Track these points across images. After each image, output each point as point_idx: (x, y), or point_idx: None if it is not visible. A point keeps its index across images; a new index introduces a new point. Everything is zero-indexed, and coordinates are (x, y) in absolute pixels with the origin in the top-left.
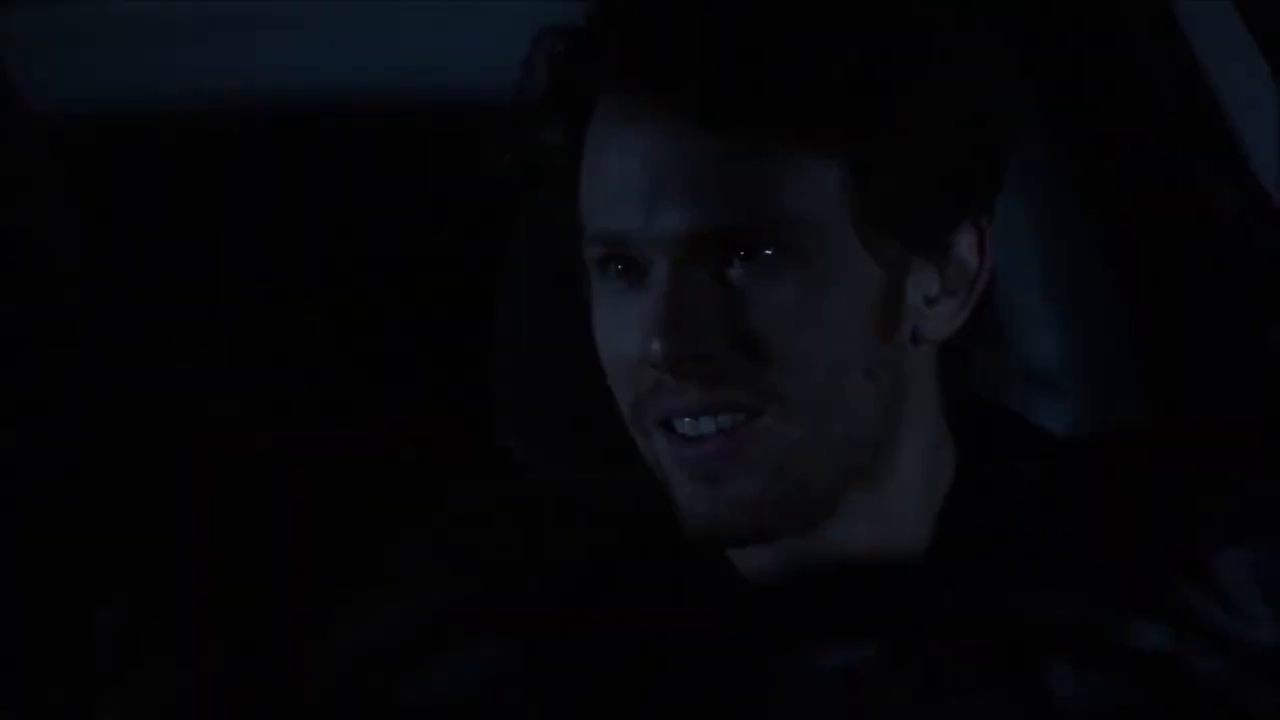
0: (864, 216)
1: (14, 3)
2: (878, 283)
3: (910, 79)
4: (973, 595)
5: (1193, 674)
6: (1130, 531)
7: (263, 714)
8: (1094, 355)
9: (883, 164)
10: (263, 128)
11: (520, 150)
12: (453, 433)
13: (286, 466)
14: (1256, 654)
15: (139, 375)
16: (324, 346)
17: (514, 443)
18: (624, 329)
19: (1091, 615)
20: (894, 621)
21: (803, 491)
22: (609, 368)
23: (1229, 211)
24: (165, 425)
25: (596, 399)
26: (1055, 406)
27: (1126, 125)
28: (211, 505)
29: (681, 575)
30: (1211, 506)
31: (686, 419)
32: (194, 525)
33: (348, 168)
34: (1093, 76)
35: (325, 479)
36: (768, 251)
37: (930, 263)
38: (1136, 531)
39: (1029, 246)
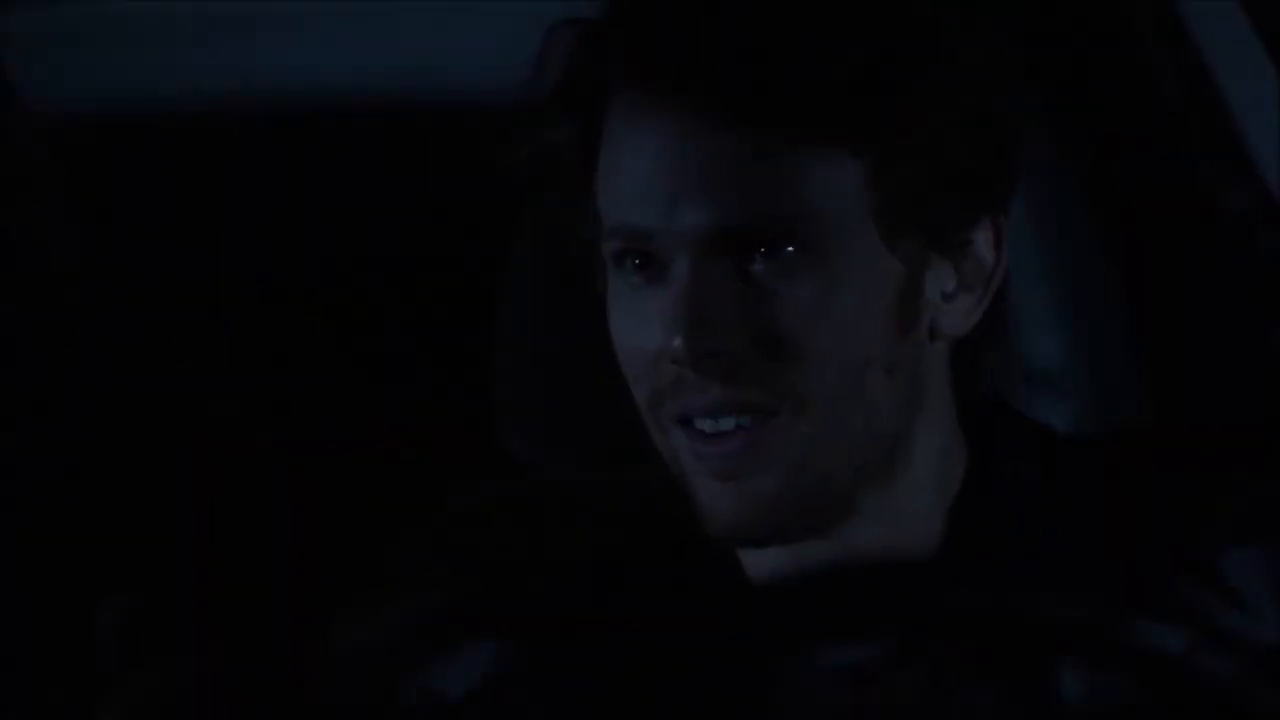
0: (883, 213)
1: (14, 3)
2: (897, 279)
3: (924, 76)
4: (982, 594)
5: (1202, 674)
6: (1138, 531)
7: (263, 714)
8: (1097, 355)
9: (901, 160)
10: (263, 128)
11: (535, 145)
12: (453, 433)
13: (286, 466)
14: (1266, 653)
15: (139, 375)
16: (324, 346)
17: (517, 443)
18: (643, 324)
19: (1100, 615)
20: (903, 620)
21: (823, 487)
22: (625, 362)
23: (1232, 212)
24: (165, 425)
25: (600, 399)
26: (1058, 406)
27: (1130, 125)
28: (211, 505)
29: (687, 575)
30: (1217, 506)
31: (706, 418)
32: (194, 525)
33: (348, 168)
34: (1097, 76)
35: (325, 479)
36: (789, 248)
37: (947, 259)
38: (1145, 531)
39: (1032, 246)
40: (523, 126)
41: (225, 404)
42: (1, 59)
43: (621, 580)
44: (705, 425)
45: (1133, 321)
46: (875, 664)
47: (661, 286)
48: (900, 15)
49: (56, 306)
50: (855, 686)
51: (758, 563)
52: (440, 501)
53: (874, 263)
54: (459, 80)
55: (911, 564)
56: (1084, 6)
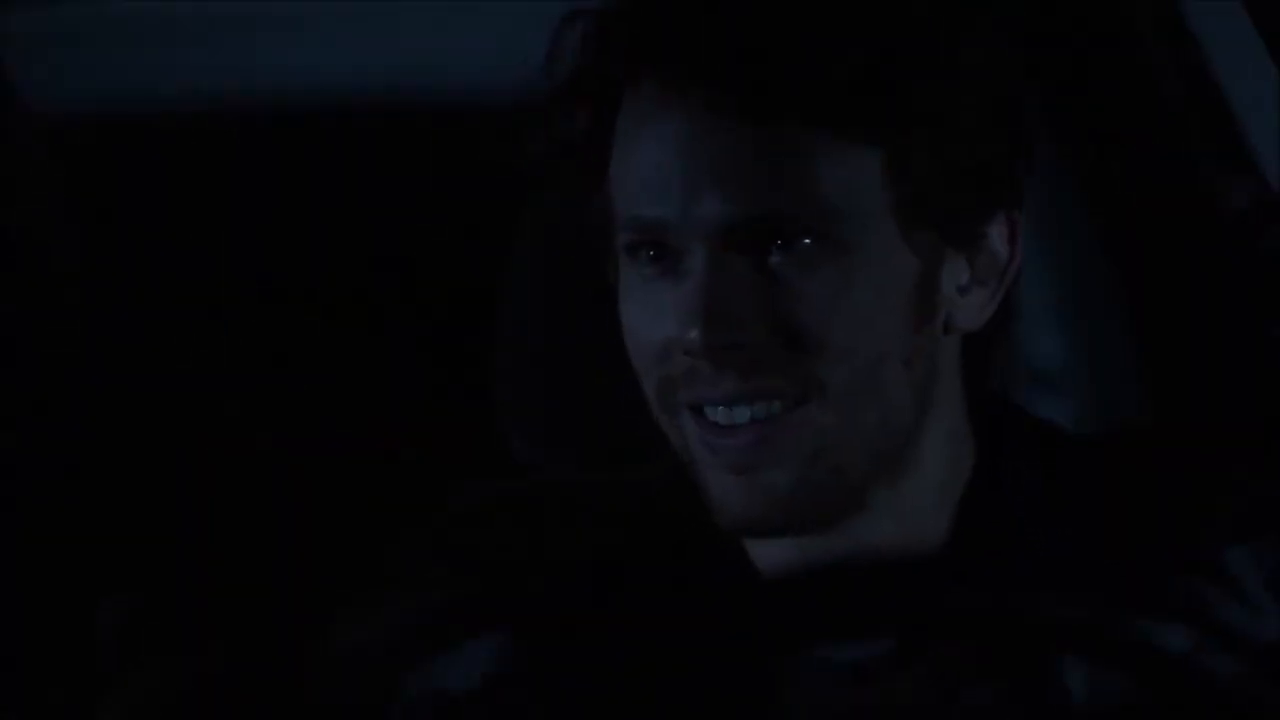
0: (901, 206)
1: (14, 3)
2: (914, 272)
3: (939, 71)
4: (986, 593)
5: (1205, 673)
6: (1141, 531)
7: (263, 714)
8: (1097, 355)
9: (919, 153)
10: (263, 128)
11: (548, 137)
12: (453, 433)
13: (286, 466)
14: (1268, 652)
15: (139, 375)
16: (324, 346)
17: (517, 442)
18: (657, 316)
19: (1103, 614)
20: (908, 618)
21: (837, 480)
22: (636, 354)
23: (1233, 211)
24: (165, 425)
25: (600, 399)
26: (1058, 406)
27: (1131, 124)
28: (211, 505)
29: (688, 573)
30: (1217, 506)
31: (720, 408)
32: (194, 525)
33: (348, 168)
34: (1098, 75)
35: (325, 479)
36: (806, 241)
37: (962, 253)
38: (1147, 531)
39: (1033, 246)
40: (535, 119)
41: (225, 404)
42: (1, 59)
43: (622, 579)
44: (718, 416)
45: (1133, 321)
46: (878, 662)
47: (676, 279)
48: (914, 11)
49: (56, 306)
50: (858, 685)
51: (765, 556)
52: (440, 501)
53: (891, 256)
54: (459, 80)
55: (917, 561)
56: (1084, 6)
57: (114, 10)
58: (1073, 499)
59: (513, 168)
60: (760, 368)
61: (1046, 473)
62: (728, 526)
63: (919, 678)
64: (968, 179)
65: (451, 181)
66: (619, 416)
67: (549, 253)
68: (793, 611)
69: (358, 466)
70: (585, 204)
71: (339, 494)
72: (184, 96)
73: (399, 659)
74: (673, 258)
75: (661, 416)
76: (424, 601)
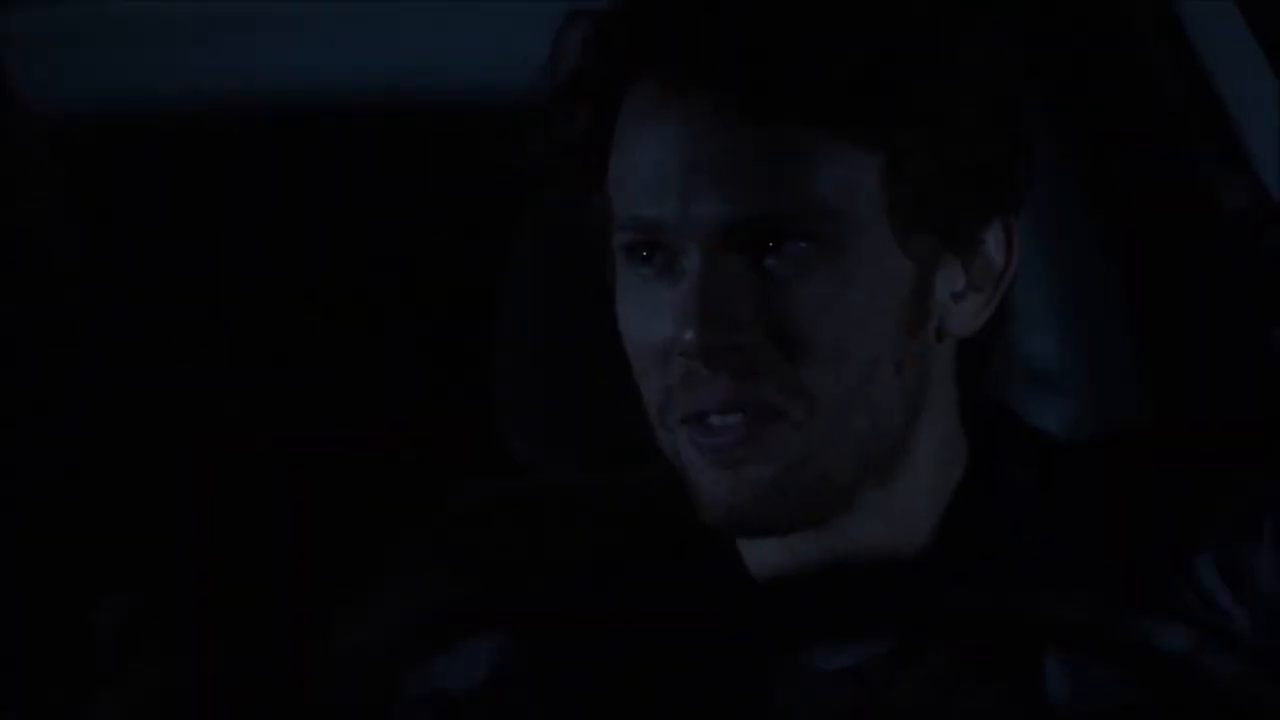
0: (898, 209)
1: (14, 3)
2: (909, 277)
3: (939, 73)
4: (980, 595)
5: (1203, 673)
6: (1138, 533)
7: (263, 714)
8: (1097, 355)
9: (916, 157)
10: (263, 128)
11: (549, 136)
12: (453, 433)
13: (286, 466)
14: (1267, 652)
15: (139, 375)
16: (324, 346)
17: (517, 442)
18: (654, 317)
19: (1103, 614)
20: (901, 620)
21: (824, 483)
22: (635, 355)
23: (1232, 212)
24: (165, 425)
25: (600, 399)
26: (1056, 406)
27: (1130, 125)
28: (211, 505)
29: (687, 574)
30: (1217, 506)
31: (716, 414)
32: (194, 525)
33: (348, 168)
34: (1096, 76)
35: (325, 479)
36: (802, 244)
37: (958, 259)
38: (1144, 532)
39: (1032, 246)
40: (535, 119)
41: (225, 404)
42: (1, 59)
43: (622, 579)
44: (715, 420)
45: (1133, 321)
46: (876, 664)
47: (673, 279)
48: (915, 14)
49: (56, 306)
50: (854, 686)
51: (758, 560)
52: (440, 501)
53: (886, 260)
54: (459, 80)
55: (908, 562)
56: (1084, 6)
57: (114, 10)
58: (1068, 500)
59: (513, 168)
60: (754, 370)
61: (1041, 475)
62: (713, 522)
63: (916, 679)
64: (967, 179)
65: (451, 181)
66: (619, 416)
67: (549, 253)
68: (788, 613)
69: (358, 466)
70: (585, 204)
71: (339, 494)
72: (184, 96)
73: (399, 659)
74: (670, 259)
75: (658, 427)
76: (424, 601)
